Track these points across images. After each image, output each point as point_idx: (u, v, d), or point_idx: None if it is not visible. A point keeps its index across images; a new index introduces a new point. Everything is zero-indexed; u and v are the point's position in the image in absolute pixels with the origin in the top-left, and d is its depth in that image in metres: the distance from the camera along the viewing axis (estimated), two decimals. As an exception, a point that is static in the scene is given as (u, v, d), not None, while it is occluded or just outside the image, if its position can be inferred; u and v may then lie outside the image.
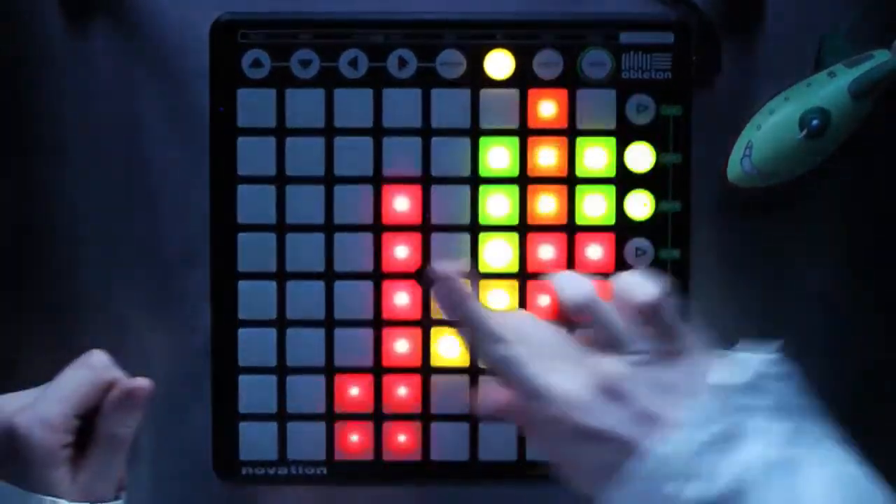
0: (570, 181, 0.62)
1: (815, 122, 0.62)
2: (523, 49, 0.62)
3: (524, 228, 0.62)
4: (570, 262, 0.62)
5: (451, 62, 0.62)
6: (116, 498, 0.55)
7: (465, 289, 0.52)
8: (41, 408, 0.54)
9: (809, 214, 0.66)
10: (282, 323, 0.63)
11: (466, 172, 0.62)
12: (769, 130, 0.63)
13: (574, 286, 0.53)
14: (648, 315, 0.50)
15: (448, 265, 0.53)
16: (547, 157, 0.62)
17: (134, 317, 0.66)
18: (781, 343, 0.55)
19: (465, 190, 0.62)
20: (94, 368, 0.56)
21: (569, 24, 0.62)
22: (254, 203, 0.62)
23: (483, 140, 0.62)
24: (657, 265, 0.62)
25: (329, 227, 0.62)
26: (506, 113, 0.62)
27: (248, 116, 0.62)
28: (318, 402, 0.63)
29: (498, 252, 0.62)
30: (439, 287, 0.53)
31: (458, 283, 0.52)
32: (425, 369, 0.63)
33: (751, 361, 0.50)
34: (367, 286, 0.62)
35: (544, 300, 0.62)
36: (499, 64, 0.62)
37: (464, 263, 0.59)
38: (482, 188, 0.62)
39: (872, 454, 0.67)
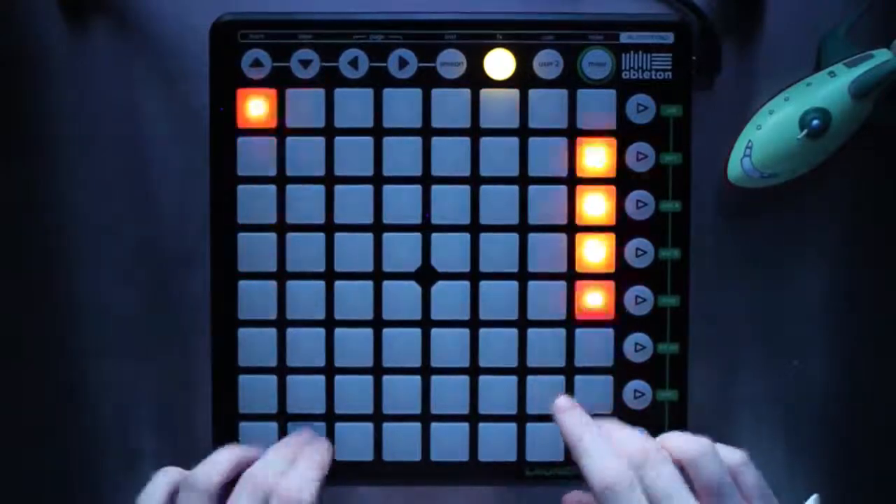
0: (570, 181, 0.62)
1: (815, 122, 0.62)
2: (523, 49, 0.62)
3: (524, 228, 0.62)
4: (571, 262, 0.62)
5: (451, 62, 0.62)
6: None
7: (589, 420, 0.56)
8: None
9: (809, 214, 0.66)
10: (282, 323, 0.63)
11: (466, 172, 0.62)
12: (769, 130, 0.63)
13: (686, 440, 0.55)
14: (736, 474, 0.54)
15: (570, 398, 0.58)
16: (547, 157, 0.62)
17: (134, 317, 0.66)
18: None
19: (466, 190, 0.62)
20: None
21: (569, 24, 0.62)
22: (254, 203, 0.62)
23: (484, 140, 0.62)
24: (657, 265, 0.62)
25: (329, 227, 0.62)
26: (506, 113, 0.62)
27: (248, 117, 0.62)
28: (318, 402, 0.63)
29: (498, 252, 0.62)
30: (567, 417, 0.57)
31: (583, 413, 0.57)
32: (425, 370, 0.63)
33: None
34: (367, 286, 0.62)
35: (542, 302, 0.62)
36: (499, 64, 0.62)
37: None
38: (482, 188, 0.62)
39: (871, 456, 0.67)
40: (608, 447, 0.54)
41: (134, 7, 0.65)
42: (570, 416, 0.57)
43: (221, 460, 0.56)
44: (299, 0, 0.63)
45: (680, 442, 0.54)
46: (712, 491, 0.53)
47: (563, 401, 0.58)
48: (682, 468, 0.53)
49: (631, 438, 0.55)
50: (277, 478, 0.55)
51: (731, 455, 0.54)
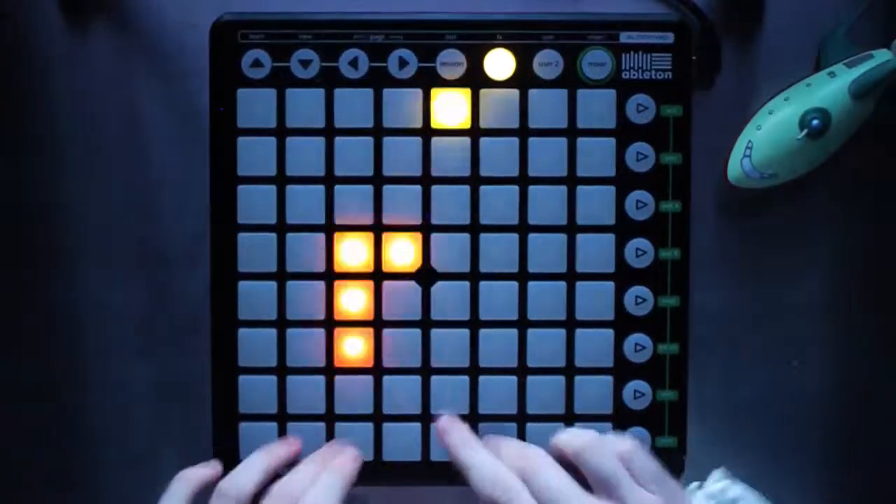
0: (570, 181, 0.62)
1: (815, 122, 0.62)
2: (523, 49, 0.62)
3: (524, 229, 0.62)
4: (570, 262, 0.62)
5: (451, 62, 0.62)
6: None
7: (470, 436, 0.60)
8: None
9: (809, 214, 0.66)
10: (282, 323, 0.63)
11: (466, 172, 0.62)
12: (769, 130, 0.63)
13: (573, 434, 0.58)
14: (627, 461, 0.55)
15: (452, 416, 0.61)
16: (547, 157, 0.62)
17: (134, 317, 0.66)
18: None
19: (466, 190, 0.62)
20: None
21: (569, 24, 0.62)
22: (254, 203, 0.62)
23: (483, 140, 0.62)
24: (657, 265, 0.62)
25: (329, 228, 0.62)
26: (506, 113, 0.62)
27: (248, 116, 0.62)
28: (318, 402, 0.63)
29: (498, 252, 0.62)
30: (448, 437, 0.60)
31: (464, 431, 0.60)
32: (425, 370, 0.63)
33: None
34: (367, 286, 0.62)
35: (542, 303, 0.62)
36: (499, 64, 0.62)
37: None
38: (482, 188, 0.62)
39: (871, 456, 0.67)
40: (491, 458, 0.56)
41: (134, 7, 0.65)
42: (452, 436, 0.60)
43: (254, 469, 0.58)
44: (299, 0, 0.63)
45: (565, 438, 0.58)
46: (603, 481, 0.55)
47: (443, 422, 0.61)
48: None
49: (512, 448, 0.57)
50: (303, 492, 0.57)
51: (621, 444, 0.56)
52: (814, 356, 0.66)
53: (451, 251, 0.62)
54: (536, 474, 0.55)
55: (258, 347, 0.63)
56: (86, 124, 0.65)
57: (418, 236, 0.62)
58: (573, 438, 0.57)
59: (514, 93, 0.62)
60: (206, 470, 0.59)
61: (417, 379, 0.63)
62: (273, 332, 0.62)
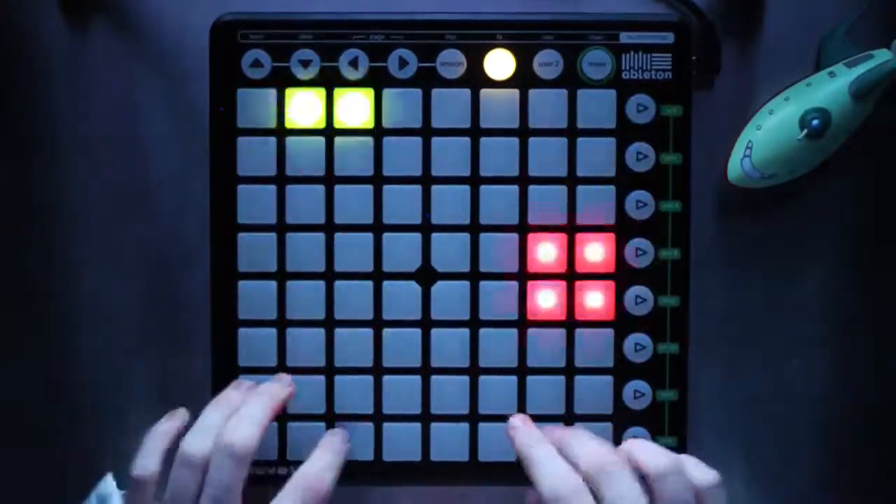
0: (570, 181, 0.62)
1: (815, 122, 0.62)
2: (523, 49, 0.62)
3: (524, 229, 0.62)
4: (570, 261, 0.62)
5: (451, 62, 0.62)
6: None
7: (540, 435, 0.58)
8: None
9: (809, 214, 0.66)
10: (282, 323, 0.63)
11: (466, 172, 0.62)
12: (769, 130, 0.63)
13: (652, 452, 0.55)
14: (701, 496, 0.54)
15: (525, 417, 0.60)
16: (547, 157, 0.62)
17: (134, 317, 0.66)
18: None
19: (465, 190, 0.62)
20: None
21: (569, 24, 0.62)
22: (254, 203, 0.62)
23: (484, 140, 0.62)
24: (657, 265, 0.62)
25: (329, 227, 0.62)
26: (506, 113, 0.62)
27: (248, 116, 0.62)
28: (319, 403, 0.63)
29: (497, 253, 0.62)
30: (517, 433, 0.58)
31: (533, 429, 0.58)
32: (425, 369, 0.63)
33: None
34: (367, 286, 0.62)
35: (542, 305, 0.62)
36: (499, 64, 0.62)
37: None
38: (482, 188, 0.62)
39: (871, 456, 0.67)
40: (557, 458, 0.55)
41: (134, 7, 0.65)
42: (521, 431, 0.58)
43: (213, 431, 0.56)
44: (299, 0, 0.63)
45: (650, 454, 0.54)
46: None
47: (515, 419, 0.60)
48: (642, 478, 0.54)
49: (589, 446, 0.55)
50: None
51: (704, 475, 0.54)
52: (814, 356, 0.66)
53: (451, 251, 0.62)
54: (608, 477, 0.53)
55: (258, 347, 0.63)
56: (86, 124, 0.65)
57: (418, 236, 0.62)
58: (656, 457, 0.54)
59: (514, 93, 0.62)
60: (176, 423, 0.59)
61: (417, 379, 0.63)
62: (273, 331, 0.63)
